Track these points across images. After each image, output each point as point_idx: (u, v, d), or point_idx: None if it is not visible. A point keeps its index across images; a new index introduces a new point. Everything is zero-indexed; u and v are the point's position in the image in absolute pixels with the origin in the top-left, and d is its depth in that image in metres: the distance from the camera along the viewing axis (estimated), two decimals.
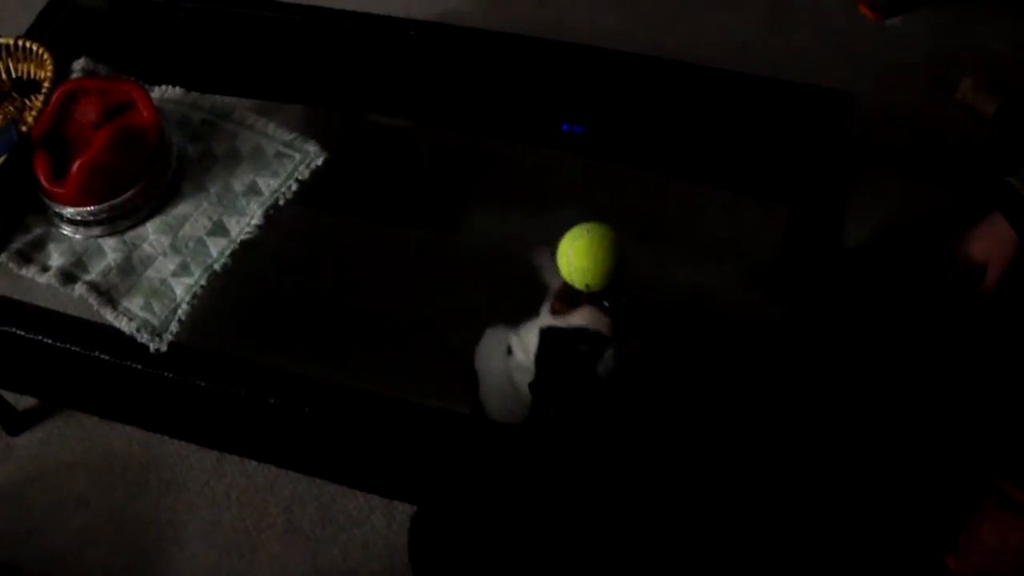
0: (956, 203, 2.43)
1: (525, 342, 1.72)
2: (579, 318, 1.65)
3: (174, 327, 1.72)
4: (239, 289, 2.44)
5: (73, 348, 1.74)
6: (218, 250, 1.79)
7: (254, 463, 2.30)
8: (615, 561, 1.96)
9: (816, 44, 2.88)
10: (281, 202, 1.83)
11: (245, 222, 1.81)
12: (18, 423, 2.42)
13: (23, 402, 2.43)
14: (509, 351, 1.77)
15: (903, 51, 2.85)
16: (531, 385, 1.68)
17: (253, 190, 1.85)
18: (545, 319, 1.71)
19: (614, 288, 1.65)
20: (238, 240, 1.80)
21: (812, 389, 1.65)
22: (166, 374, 1.69)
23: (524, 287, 1.84)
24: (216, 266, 1.78)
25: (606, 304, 1.64)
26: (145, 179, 1.83)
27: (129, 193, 1.82)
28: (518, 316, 1.79)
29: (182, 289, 1.76)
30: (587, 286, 1.61)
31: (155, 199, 1.85)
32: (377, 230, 2.59)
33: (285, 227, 2.38)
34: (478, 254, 2.52)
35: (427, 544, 2.04)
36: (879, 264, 2.29)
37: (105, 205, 1.81)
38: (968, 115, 2.63)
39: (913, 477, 1.68)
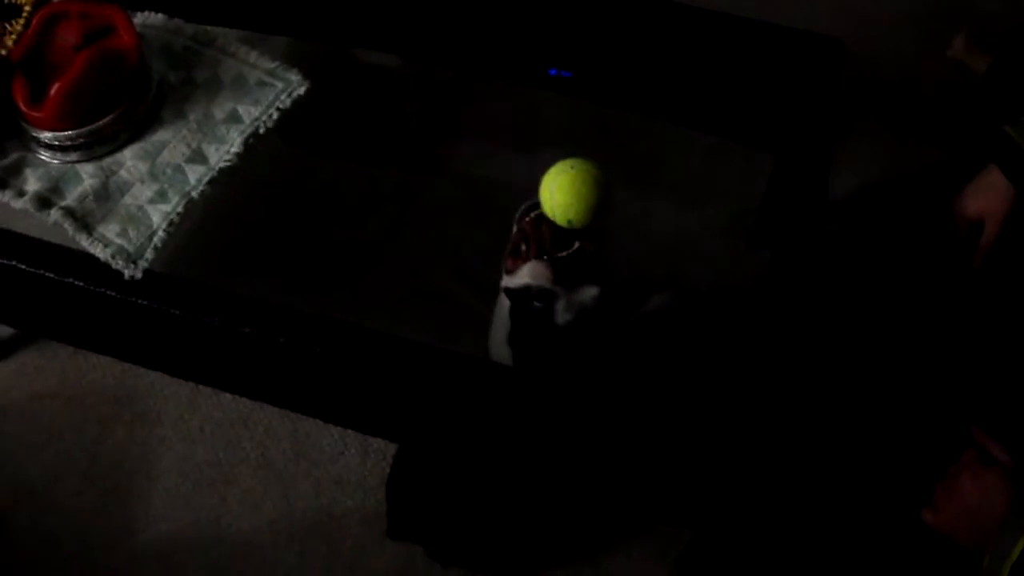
0: (946, 158, 2.42)
1: (502, 298, 1.73)
2: (523, 276, 1.66)
3: (149, 254, 1.69)
4: (219, 222, 2.43)
5: (47, 274, 1.71)
6: (196, 177, 1.77)
7: (228, 397, 2.29)
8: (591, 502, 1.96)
9: None
10: (262, 130, 1.81)
11: (224, 150, 1.79)
12: None
13: None
14: None
15: (897, 5, 2.83)
16: (508, 338, 1.70)
17: (234, 118, 1.82)
18: (504, 279, 1.71)
19: (577, 233, 1.64)
20: (217, 168, 1.77)
21: (793, 338, 1.64)
22: (140, 301, 1.67)
23: (507, 228, 1.82)
24: (194, 193, 1.75)
25: (546, 257, 1.64)
26: (124, 104, 1.80)
27: (108, 118, 1.79)
28: (498, 256, 1.78)
29: (159, 216, 1.73)
30: (569, 222, 1.60)
31: (134, 125, 1.82)
32: (360, 169, 2.57)
33: (268, 162, 2.38)
34: (462, 194, 2.51)
35: (405, 483, 2.04)
36: (865, 216, 2.28)
37: (83, 130, 1.78)
38: (959, 72, 2.61)
39: (892, 430, 1.68)
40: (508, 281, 1.68)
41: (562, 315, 1.64)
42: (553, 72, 1.99)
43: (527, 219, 1.69)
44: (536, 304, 1.64)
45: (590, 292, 1.64)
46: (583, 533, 2.13)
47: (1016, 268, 1.76)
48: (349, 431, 2.22)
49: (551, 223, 1.65)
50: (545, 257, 1.65)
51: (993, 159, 1.69)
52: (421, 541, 2.07)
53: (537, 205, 1.66)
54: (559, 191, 1.58)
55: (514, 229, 1.73)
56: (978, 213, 1.72)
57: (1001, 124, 1.68)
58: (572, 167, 1.59)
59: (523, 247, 1.68)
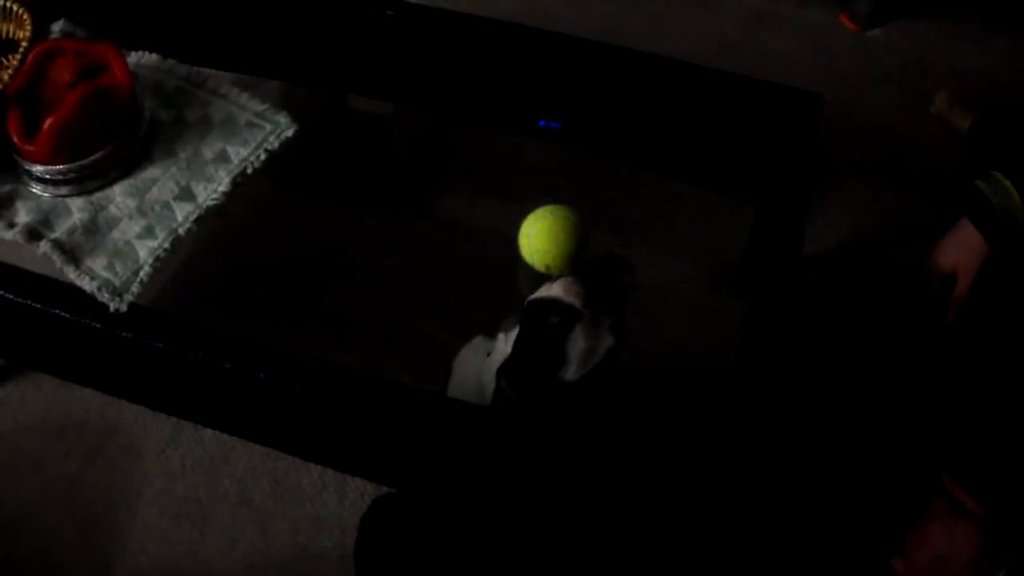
0: (928, 214, 2.45)
1: (511, 334, 1.71)
2: (554, 289, 1.62)
3: (135, 288, 1.71)
4: (206, 261, 2.45)
5: (34, 304, 1.73)
6: (184, 215, 1.79)
7: (210, 434, 2.30)
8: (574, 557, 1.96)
9: (795, 51, 2.90)
10: (249, 171, 1.84)
11: (212, 188, 1.81)
12: None
13: None
14: (488, 355, 1.76)
15: (881, 62, 2.87)
16: (499, 369, 1.67)
17: (222, 157, 1.85)
18: (536, 293, 1.67)
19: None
20: (204, 206, 1.80)
21: (767, 389, 1.65)
22: (125, 334, 1.69)
23: (491, 274, 1.84)
24: (181, 230, 1.78)
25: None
26: (115, 141, 1.83)
27: (99, 154, 1.82)
28: (482, 302, 1.79)
29: (146, 251, 1.76)
30: (547, 267, 1.61)
31: (124, 161, 1.85)
32: (348, 214, 2.60)
33: (257, 205, 2.41)
34: (448, 241, 2.53)
35: (376, 541, 2.03)
36: (842, 270, 2.30)
37: (74, 165, 1.81)
38: (942, 129, 2.65)
39: (865, 479, 1.69)
40: (537, 293, 1.64)
41: (575, 343, 1.60)
42: (543, 123, 2.01)
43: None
44: (553, 320, 1.60)
45: (607, 342, 1.62)
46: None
47: (988, 322, 1.77)
48: (328, 470, 2.23)
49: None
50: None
51: (966, 213, 1.71)
52: None
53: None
54: (537, 237, 1.60)
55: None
56: (952, 267, 1.73)
57: (973, 179, 1.70)
58: (551, 213, 1.61)
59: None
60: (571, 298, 1.58)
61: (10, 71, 1.86)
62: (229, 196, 1.83)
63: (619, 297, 1.64)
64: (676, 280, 2.40)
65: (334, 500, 2.22)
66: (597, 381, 1.64)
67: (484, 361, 1.77)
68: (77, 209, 1.82)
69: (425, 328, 2.38)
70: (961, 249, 1.72)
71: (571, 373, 1.60)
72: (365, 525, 1.99)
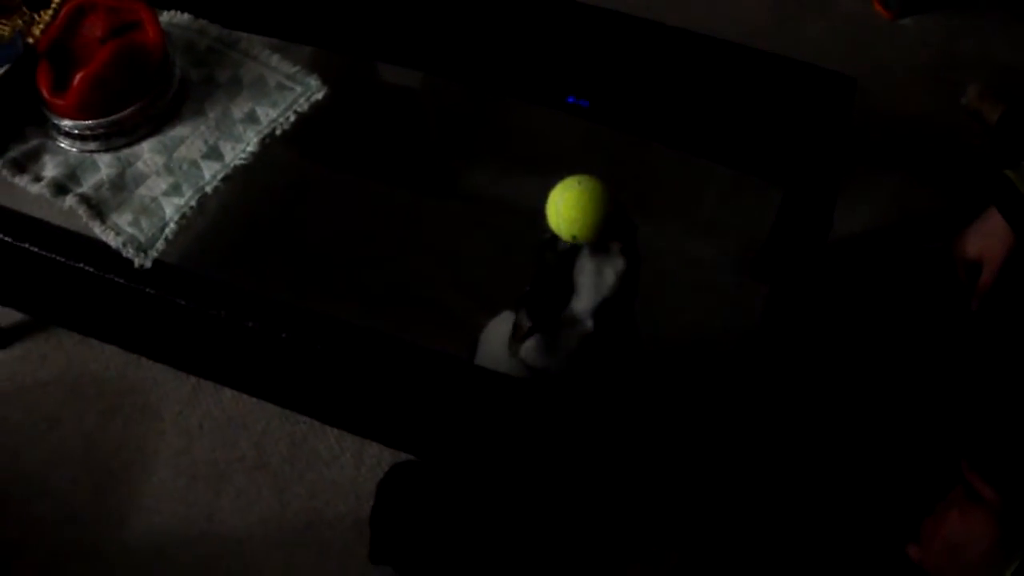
0: (953, 204, 2.44)
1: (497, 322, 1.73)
2: None
3: (160, 245, 1.72)
4: (232, 224, 2.46)
5: (58, 258, 1.74)
6: (211, 173, 1.80)
7: (229, 395, 2.30)
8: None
9: (827, 37, 2.88)
10: (278, 132, 1.84)
11: (240, 148, 1.82)
12: None
13: (5, 319, 2.43)
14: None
15: (913, 51, 2.85)
16: (516, 302, 1.69)
17: (251, 118, 1.85)
18: None
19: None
20: (231, 165, 1.80)
21: (787, 372, 1.65)
22: (148, 290, 1.69)
23: (516, 248, 1.84)
24: (208, 188, 1.78)
25: None
26: (145, 98, 1.83)
27: (128, 110, 1.82)
28: (507, 275, 1.79)
29: (172, 208, 1.76)
30: (574, 237, 1.61)
31: (153, 119, 1.85)
32: (375, 185, 2.60)
33: (285, 172, 2.41)
34: (472, 214, 2.53)
35: (390, 511, 2.03)
36: (867, 256, 2.29)
37: (103, 120, 1.81)
38: (972, 120, 2.64)
39: (883, 464, 1.68)
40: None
41: (582, 268, 1.64)
42: (571, 100, 2.01)
43: None
44: (562, 247, 1.63)
45: (617, 265, 1.64)
46: (570, 561, 2.13)
47: (1013, 311, 1.76)
48: (346, 436, 2.24)
49: None
50: None
51: (993, 202, 1.70)
52: (402, 569, 2.07)
53: None
54: (565, 206, 1.60)
55: None
56: (977, 255, 1.73)
57: (1002, 168, 1.69)
58: (579, 183, 1.61)
59: None
60: None
61: (42, 26, 1.87)
62: (258, 161, 1.83)
63: (626, 223, 1.66)
64: (700, 260, 2.40)
65: (351, 465, 2.22)
66: (612, 318, 1.66)
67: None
68: (104, 165, 1.82)
69: (448, 300, 2.38)
70: (987, 238, 1.72)
71: (583, 303, 1.64)
72: (382, 491, 2.00)
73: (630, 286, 1.67)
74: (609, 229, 1.63)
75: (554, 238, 1.64)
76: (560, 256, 1.64)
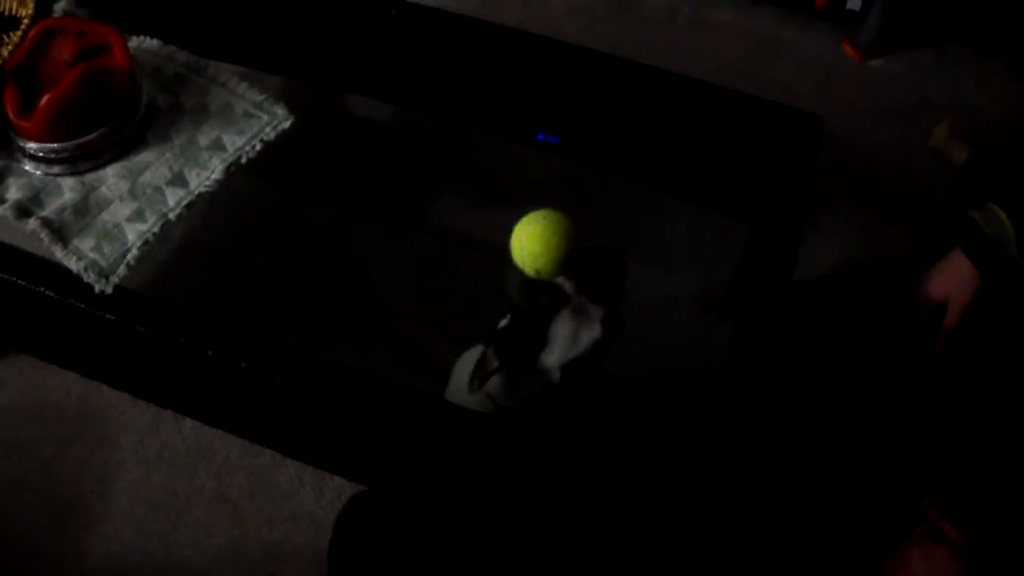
0: (920, 244, 2.45)
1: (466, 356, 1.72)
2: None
3: (122, 270, 1.71)
4: (197, 254, 2.45)
5: (19, 282, 1.72)
6: (175, 200, 1.79)
7: (189, 426, 2.28)
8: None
9: (796, 77, 2.90)
10: (244, 160, 1.83)
11: (205, 176, 1.81)
12: None
13: None
14: None
15: (882, 92, 2.87)
16: (487, 337, 1.68)
17: (217, 146, 1.85)
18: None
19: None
20: (196, 192, 1.79)
21: (752, 412, 1.65)
22: (108, 316, 1.68)
23: (484, 282, 1.84)
24: (171, 215, 1.77)
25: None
26: (111, 123, 1.83)
27: (94, 134, 1.81)
28: (474, 309, 1.79)
29: (135, 234, 1.75)
30: (537, 271, 1.61)
31: (119, 144, 1.84)
32: (342, 217, 2.59)
33: (252, 203, 2.40)
34: (440, 248, 2.52)
35: (350, 541, 2.01)
36: (832, 295, 2.30)
37: (68, 144, 1.81)
38: (940, 161, 2.65)
39: (846, 504, 1.68)
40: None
41: (559, 327, 1.62)
42: (541, 136, 2.01)
43: None
44: (543, 302, 1.63)
45: (593, 332, 1.63)
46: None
47: (977, 352, 1.77)
48: (306, 469, 2.22)
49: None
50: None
51: (959, 244, 1.71)
52: None
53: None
54: (529, 240, 1.60)
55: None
56: (942, 297, 1.73)
57: (967, 210, 1.70)
58: (544, 217, 1.61)
59: None
60: (564, 282, 1.63)
61: (10, 47, 1.86)
62: (222, 189, 1.82)
63: (615, 290, 1.65)
64: (665, 297, 2.40)
65: (311, 498, 2.20)
66: (579, 375, 1.66)
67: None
68: (68, 188, 1.81)
69: (414, 333, 2.37)
70: (952, 279, 1.72)
71: (553, 358, 1.63)
72: (340, 524, 1.97)
73: (604, 351, 1.66)
74: (598, 288, 1.64)
75: (532, 283, 1.64)
76: (539, 310, 1.64)
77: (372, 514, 1.92)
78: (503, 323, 1.72)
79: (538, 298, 1.63)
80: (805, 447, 1.74)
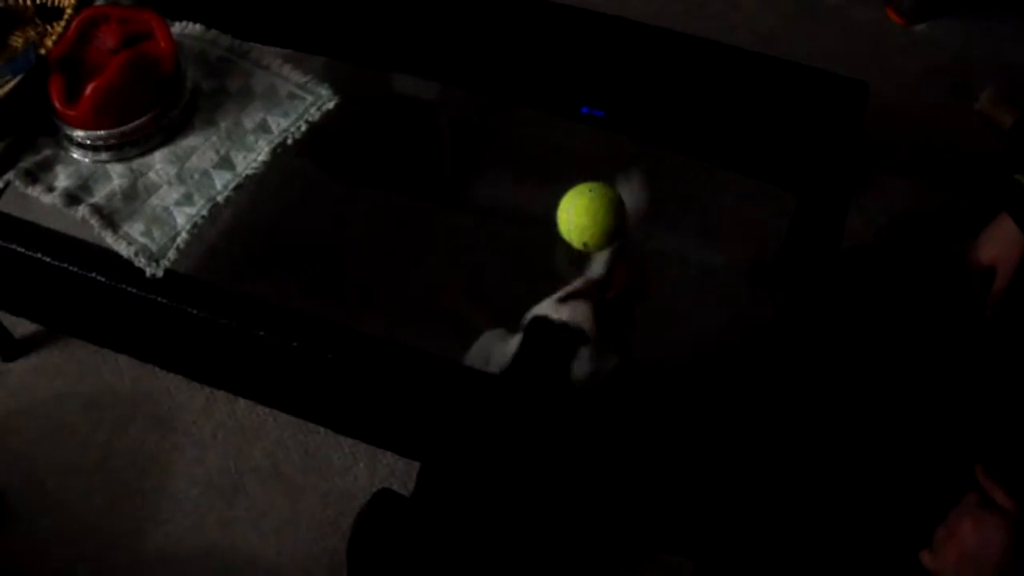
0: (967, 208, 2.43)
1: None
2: (565, 312, 1.65)
3: (172, 254, 1.72)
4: (246, 235, 2.46)
5: (71, 268, 1.74)
6: (223, 183, 1.79)
7: (243, 405, 2.31)
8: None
9: (841, 44, 2.88)
10: (290, 141, 1.83)
11: (252, 158, 1.82)
12: (14, 350, 2.45)
13: (20, 330, 2.44)
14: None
15: (927, 57, 2.85)
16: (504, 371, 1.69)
17: (263, 128, 1.85)
18: (543, 307, 1.70)
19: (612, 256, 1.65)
20: (243, 175, 1.80)
21: (801, 382, 1.64)
22: (160, 299, 1.69)
23: (528, 257, 1.83)
24: (219, 198, 1.78)
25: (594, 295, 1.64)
26: (157, 108, 1.83)
27: (140, 120, 1.82)
28: (519, 284, 1.79)
29: (183, 218, 1.76)
30: (584, 244, 1.61)
31: (165, 129, 1.85)
32: (387, 195, 2.60)
33: (298, 183, 2.41)
34: (485, 224, 2.52)
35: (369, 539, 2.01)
36: (880, 262, 2.29)
37: (115, 131, 1.81)
38: (985, 125, 2.63)
39: (897, 471, 1.67)
40: (542, 310, 1.68)
41: (582, 365, 1.64)
42: (586, 110, 2.00)
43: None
44: (558, 343, 1.63)
45: (611, 362, 1.64)
46: (584, 567, 2.12)
47: None
48: (359, 446, 2.24)
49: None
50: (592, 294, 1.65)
51: (1006, 208, 1.69)
52: None
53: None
54: (576, 213, 1.60)
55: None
56: (990, 261, 1.72)
57: (1015, 173, 1.68)
58: (591, 190, 1.61)
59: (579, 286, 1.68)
60: (579, 322, 1.62)
61: (54, 37, 1.88)
62: (269, 170, 1.83)
63: (628, 315, 1.65)
64: (713, 267, 2.39)
65: (364, 475, 2.22)
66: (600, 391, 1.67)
67: (498, 348, 1.77)
68: (116, 175, 1.82)
69: (462, 310, 2.37)
70: (1000, 244, 1.71)
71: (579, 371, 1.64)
72: (359, 524, 1.98)
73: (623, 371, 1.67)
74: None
75: (554, 327, 1.64)
76: (559, 354, 1.64)
77: (391, 514, 1.93)
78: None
79: (552, 340, 1.64)
80: (855, 414, 1.74)
